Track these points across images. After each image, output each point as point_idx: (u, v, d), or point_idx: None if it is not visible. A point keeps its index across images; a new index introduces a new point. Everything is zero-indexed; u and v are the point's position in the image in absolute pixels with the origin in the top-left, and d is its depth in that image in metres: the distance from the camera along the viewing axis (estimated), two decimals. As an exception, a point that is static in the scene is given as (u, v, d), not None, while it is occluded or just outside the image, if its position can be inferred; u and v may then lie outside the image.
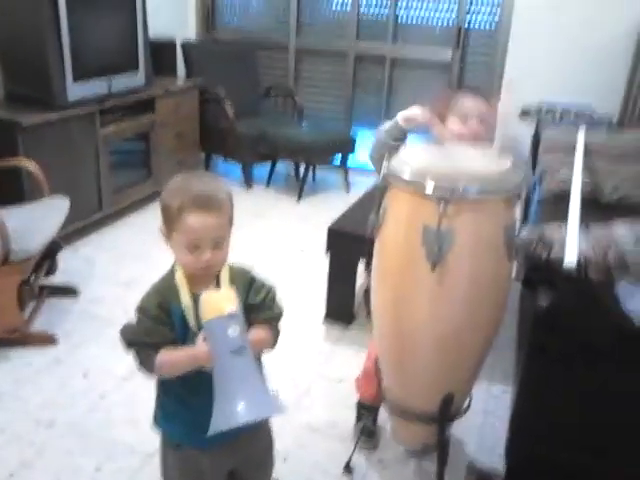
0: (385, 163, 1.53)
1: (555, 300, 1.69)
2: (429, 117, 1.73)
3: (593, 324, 1.64)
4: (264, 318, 1.33)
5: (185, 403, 1.34)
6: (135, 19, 3.69)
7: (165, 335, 1.27)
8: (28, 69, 3.22)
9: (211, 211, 1.22)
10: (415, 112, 1.73)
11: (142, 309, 1.29)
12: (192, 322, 1.27)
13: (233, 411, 1.13)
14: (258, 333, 1.30)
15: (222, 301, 1.19)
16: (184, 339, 1.28)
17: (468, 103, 1.80)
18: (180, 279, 1.29)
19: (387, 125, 1.77)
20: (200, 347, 1.21)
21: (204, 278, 1.29)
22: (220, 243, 1.26)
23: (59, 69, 3.17)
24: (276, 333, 1.36)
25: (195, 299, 1.26)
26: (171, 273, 1.32)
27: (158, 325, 1.27)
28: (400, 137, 1.74)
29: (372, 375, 2.00)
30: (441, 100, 1.84)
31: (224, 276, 1.32)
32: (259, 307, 1.33)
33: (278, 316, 1.36)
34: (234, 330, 1.17)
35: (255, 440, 1.46)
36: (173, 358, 1.26)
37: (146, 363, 1.28)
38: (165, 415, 1.41)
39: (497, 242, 1.42)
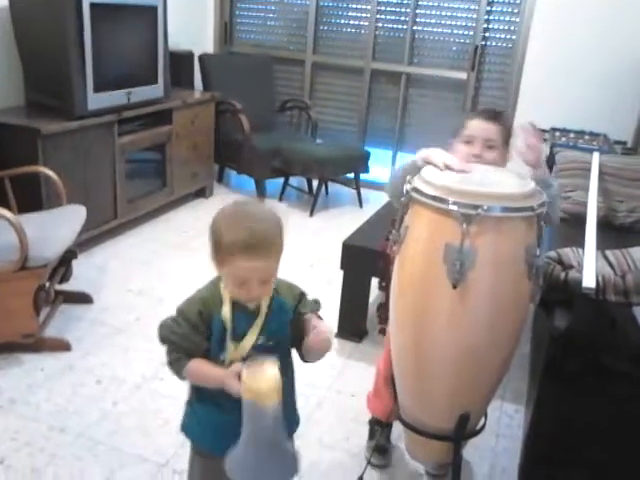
0: (408, 178, 1.54)
1: (572, 322, 1.69)
2: (449, 165, 1.56)
3: (610, 347, 1.65)
4: (315, 310, 1.38)
5: (220, 406, 1.34)
6: (156, 33, 3.74)
7: (199, 344, 1.31)
8: (50, 79, 3.26)
9: (261, 256, 1.23)
10: (434, 159, 1.58)
11: (183, 313, 1.32)
12: (230, 333, 1.30)
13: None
14: (322, 323, 1.33)
15: (269, 391, 1.20)
16: (220, 346, 1.31)
17: (474, 125, 1.73)
18: (225, 291, 1.32)
19: (407, 162, 1.70)
20: (233, 382, 1.23)
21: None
22: (268, 280, 1.28)
23: (81, 80, 3.21)
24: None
25: (236, 313, 1.30)
26: (217, 282, 1.34)
27: (195, 333, 1.30)
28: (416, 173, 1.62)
29: (382, 392, 2.00)
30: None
31: (264, 304, 1.33)
32: (310, 310, 1.38)
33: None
34: (277, 417, 1.21)
35: None
36: (202, 372, 1.31)
37: (176, 365, 1.32)
38: (197, 421, 1.42)
39: (518, 261, 1.43)
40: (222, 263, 1.26)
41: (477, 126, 1.73)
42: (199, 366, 1.30)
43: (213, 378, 1.29)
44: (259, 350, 1.30)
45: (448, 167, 1.54)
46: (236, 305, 1.30)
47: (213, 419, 1.38)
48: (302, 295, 1.39)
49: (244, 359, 1.29)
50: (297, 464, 1.32)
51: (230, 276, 1.27)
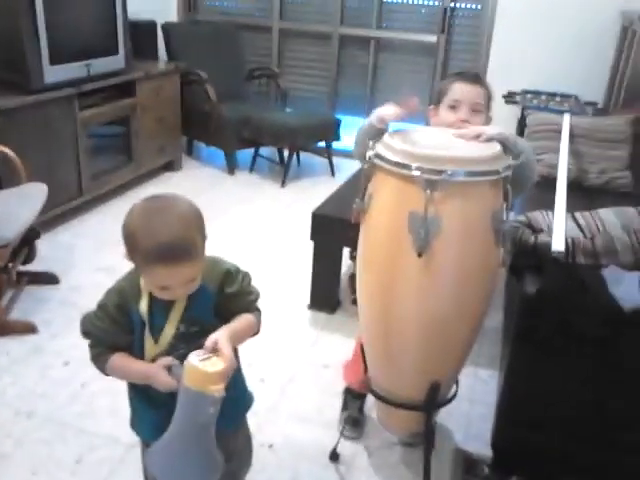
0: (370, 144, 1.49)
1: (542, 286, 1.67)
2: (400, 113, 1.55)
3: (580, 310, 1.63)
4: (246, 304, 1.32)
5: (152, 400, 1.30)
6: (114, 0, 3.59)
7: (121, 338, 1.26)
8: (2, 52, 3.13)
9: (182, 261, 1.15)
10: (385, 111, 1.55)
11: (102, 307, 1.26)
12: (148, 327, 1.25)
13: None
14: (247, 319, 1.30)
15: (213, 382, 1.15)
16: (141, 341, 1.26)
17: (459, 89, 1.66)
18: (144, 285, 1.24)
19: (365, 125, 1.62)
20: (160, 376, 1.20)
21: None
22: (192, 279, 1.21)
23: (35, 52, 3.08)
24: (259, 315, 1.35)
25: (154, 305, 1.24)
26: (136, 274, 1.26)
27: (115, 327, 1.25)
28: (378, 136, 1.54)
29: (362, 362, 1.97)
30: (410, 98, 1.61)
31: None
32: (238, 294, 1.31)
33: (257, 298, 1.35)
34: (215, 410, 1.17)
35: (233, 439, 1.43)
36: (126, 367, 1.26)
37: (98, 360, 1.27)
38: (136, 416, 1.39)
39: (485, 228, 1.39)
40: (140, 268, 1.19)
41: (462, 89, 1.66)
42: (122, 361, 1.25)
43: (137, 372, 1.25)
44: (183, 339, 1.25)
45: (398, 115, 1.51)
46: (154, 296, 1.23)
47: (149, 413, 1.33)
48: (227, 273, 1.30)
49: (168, 352, 1.25)
50: (219, 474, 1.28)
51: (149, 281, 1.20)
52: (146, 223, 1.16)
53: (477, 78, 1.71)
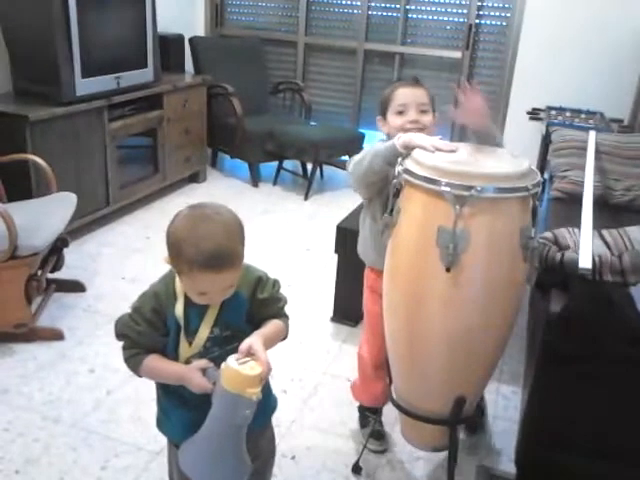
0: (399, 160, 1.51)
1: (568, 303, 1.67)
2: (438, 146, 1.50)
3: (607, 328, 1.62)
4: (276, 310, 1.35)
5: (184, 400, 1.32)
6: (144, 15, 3.67)
7: (156, 340, 1.28)
8: (37, 65, 3.21)
9: (223, 269, 1.18)
10: (421, 142, 1.51)
11: (137, 310, 1.28)
12: (183, 330, 1.27)
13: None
14: (277, 325, 1.33)
15: (251, 385, 1.17)
16: (176, 343, 1.29)
17: (403, 93, 1.72)
18: (180, 288, 1.27)
19: (383, 149, 1.58)
20: (196, 378, 1.22)
21: None
22: (231, 286, 1.24)
23: (68, 65, 3.16)
24: (287, 321, 1.38)
25: (189, 308, 1.27)
26: (172, 277, 1.29)
27: (151, 330, 1.27)
28: (395, 162, 1.53)
29: (371, 379, 1.98)
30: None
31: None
32: (269, 300, 1.34)
33: (285, 304, 1.39)
34: (250, 412, 1.19)
35: (259, 439, 1.45)
36: (161, 369, 1.28)
37: (132, 361, 1.29)
38: (165, 417, 1.41)
39: (513, 243, 1.40)
40: (182, 273, 1.22)
41: (406, 93, 1.73)
42: (156, 362, 1.27)
43: (172, 374, 1.27)
44: (216, 342, 1.28)
45: (438, 149, 1.50)
46: (189, 300, 1.26)
47: (180, 413, 1.35)
48: (259, 279, 1.33)
49: (202, 355, 1.27)
50: (247, 475, 1.30)
51: (190, 286, 1.23)
52: (191, 231, 1.19)
53: (417, 81, 1.78)
